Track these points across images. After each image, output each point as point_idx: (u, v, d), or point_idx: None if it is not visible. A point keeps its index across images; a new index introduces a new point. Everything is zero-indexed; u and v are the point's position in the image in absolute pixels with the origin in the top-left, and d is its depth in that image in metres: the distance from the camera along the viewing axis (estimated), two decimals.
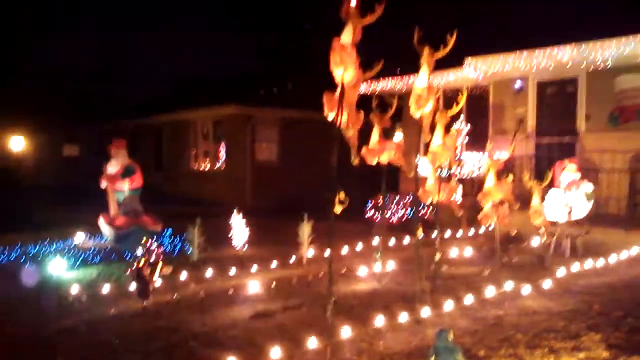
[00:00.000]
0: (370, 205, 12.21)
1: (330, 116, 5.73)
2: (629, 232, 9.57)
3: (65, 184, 24.80)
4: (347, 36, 5.41)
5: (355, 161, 6.51)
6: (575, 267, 8.05)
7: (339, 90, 5.49)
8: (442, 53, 6.46)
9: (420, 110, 6.40)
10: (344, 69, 5.37)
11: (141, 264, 6.39)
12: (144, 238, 6.81)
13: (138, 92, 31.14)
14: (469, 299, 6.36)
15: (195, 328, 5.74)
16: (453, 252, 9.45)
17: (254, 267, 8.38)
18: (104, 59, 34.48)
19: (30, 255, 9.36)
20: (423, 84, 6.43)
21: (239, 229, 10.00)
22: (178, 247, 9.76)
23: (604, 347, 4.85)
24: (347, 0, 5.33)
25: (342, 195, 5.39)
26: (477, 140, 13.70)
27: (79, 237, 10.56)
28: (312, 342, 4.96)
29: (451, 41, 6.36)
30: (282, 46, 29.67)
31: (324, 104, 5.72)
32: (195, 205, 15.99)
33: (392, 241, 10.26)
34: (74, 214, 13.13)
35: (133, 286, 6.61)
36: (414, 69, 6.82)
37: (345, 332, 5.24)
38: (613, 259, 8.52)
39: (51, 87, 32.05)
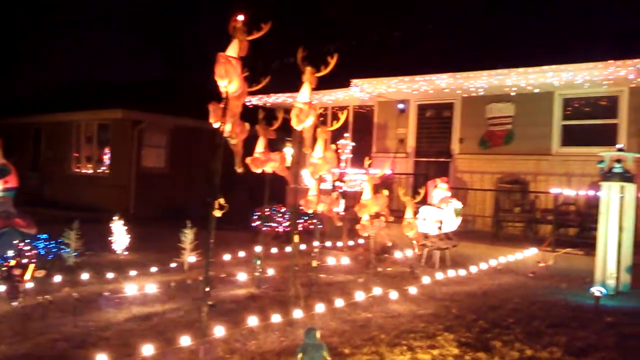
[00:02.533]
0: (256, 214, 12.42)
1: (216, 125, 5.94)
2: (492, 247, 10.46)
3: None
4: (233, 50, 5.67)
5: (239, 169, 6.73)
6: (441, 276, 8.71)
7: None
8: (323, 73, 6.83)
9: (301, 124, 6.73)
10: (228, 81, 5.59)
11: (11, 265, 6.20)
12: (17, 239, 6.60)
13: (20, 91, 29.46)
14: (340, 303, 6.72)
15: (67, 330, 5.66)
16: (332, 261, 9.85)
17: (133, 272, 8.32)
18: None
19: None
20: (304, 99, 6.77)
21: (120, 234, 9.86)
22: (54, 250, 9.43)
23: (456, 345, 5.35)
24: (234, 16, 5.58)
25: (222, 200, 5.59)
26: (361, 157, 14.39)
27: None
28: (186, 341, 5.07)
29: (332, 62, 6.76)
30: (177, 54, 29.34)
31: (210, 113, 5.93)
32: (76, 210, 15.41)
33: (274, 249, 10.55)
34: None
35: (2, 287, 6.39)
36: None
37: (219, 332, 5.39)
38: (475, 269, 9.29)
39: None
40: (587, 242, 9.56)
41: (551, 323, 6.24)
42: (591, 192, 10.19)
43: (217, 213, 5.62)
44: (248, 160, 7.23)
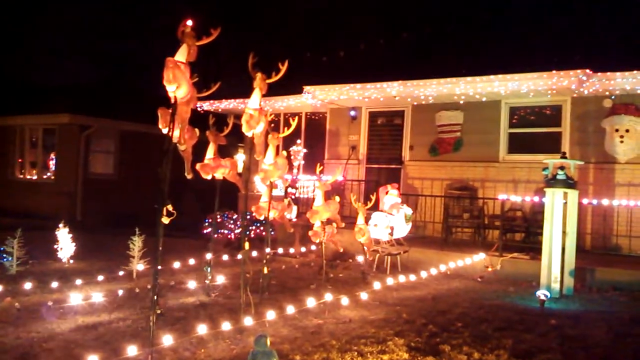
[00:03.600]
0: (207, 221, 12.30)
1: (165, 131, 5.87)
2: (442, 252, 10.61)
3: None
4: (182, 55, 5.62)
5: (188, 175, 6.66)
6: (392, 281, 8.79)
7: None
8: (274, 79, 6.83)
9: (251, 130, 6.70)
10: (177, 86, 5.53)
11: None
12: None
13: None
14: (292, 310, 6.70)
15: (8, 342, 5.46)
16: (284, 267, 9.82)
17: (79, 281, 8.09)
18: None
19: None
20: (254, 105, 6.74)
21: (65, 242, 9.59)
22: None
23: (405, 350, 5.40)
24: (183, 21, 5.53)
25: (169, 207, 5.52)
26: (314, 163, 14.44)
27: None
28: (133, 351, 4.96)
29: (283, 69, 6.77)
30: (129, 58, 28.84)
31: (159, 118, 5.85)
32: (19, 218, 14.91)
33: (226, 256, 10.44)
34: None
35: None
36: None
37: (168, 341, 5.30)
38: (425, 274, 9.42)
39: None
40: (533, 247, 9.82)
41: (498, 326, 6.38)
42: (536, 198, 10.49)
43: (165, 220, 5.55)
44: (198, 166, 7.16)
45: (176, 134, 6.07)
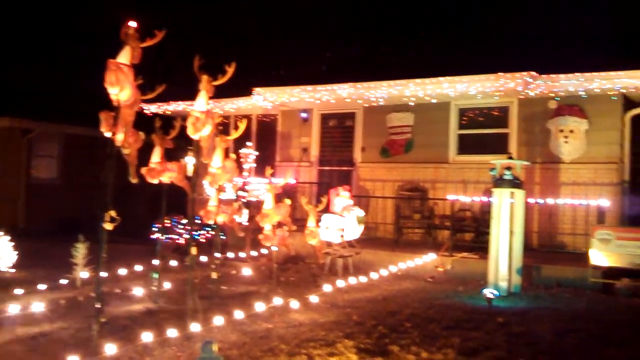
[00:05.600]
0: (155, 226, 12.03)
1: (108, 134, 5.72)
2: (393, 253, 10.65)
3: None
4: (125, 57, 5.49)
5: (133, 180, 6.50)
6: (343, 283, 8.77)
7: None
8: (221, 81, 6.71)
9: (197, 133, 6.57)
10: (119, 89, 5.40)
11: None
12: None
13: None
14: (241, 315, 6.60)
15: None
16: (234, 272, 9.69)
17: (19, 290, 7.77)
18: None
19: None
20: (200, 108, 6.62)
21: (5, 250, 9.22)
22: None
23: (355, 352, 5.38)
24: (126, 22, 5.40)
25: (113, 212, 5.39)
26: (266, 166, 14.33)
27: None
28: None
29: (230, 71, 6.66)
30: (73, 60, 28.02)
31: (101, 122, 5.70)
32: None
33: (174, 262, 10.22)
34: None
35: None
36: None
37: (111, 350, 5.13)
38: (376, 276, 9.44)
39: None
40: (482, 246, 9.96)
41: (447, 325, 6.43)
42: (485, 198, 10.67)
43: (108, 226, 5.42)
44: (144, 170, 6.99)
45: (120, 137, 5.93)
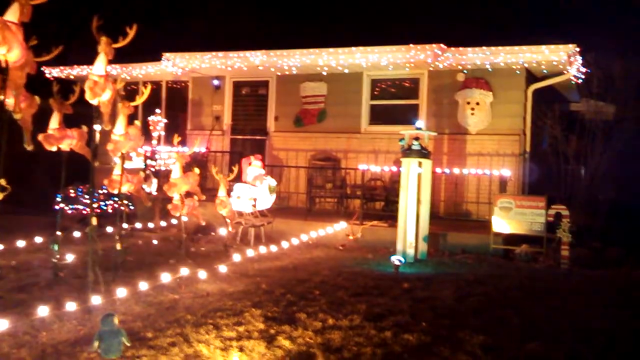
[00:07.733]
0: (59, 196, 11.47)
1: None
2: (305, 222, 10.71)
3: None
4: (13, 15, 5.12)
5: (28, 147, 6.13)
6: (254, 253, 8.73)
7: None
8: (121, 44, 6.38)
9: (96, 97, 6.25)
10: (7, 49, 5.03)
11: None
12: None
13: None
14: (146, 286, 6.43)
15: None
16: (142, 243, 9.43)
17: None
18: None
19: None
20: (99, 72, 6.28)
21: None
22: None
23: (262, 320, 5.36)
24: None
25: (2, 181, 5.06)
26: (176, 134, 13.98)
27: None
28: None
29: (131, 33, 6.34)
30: None
31: None
32: None
33: (78, 233, 9.81)
34: None
35: None
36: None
37: (3, 325, 4.85)
38: (287, 245, 9.47)
39: None
40: (392, 215, 10.18)
41: (354, 292, 6.54)
42: (395, 168, 10.89)
43: None
44: (41, 137, 6.58)
45: (10, 101, 5.55)
